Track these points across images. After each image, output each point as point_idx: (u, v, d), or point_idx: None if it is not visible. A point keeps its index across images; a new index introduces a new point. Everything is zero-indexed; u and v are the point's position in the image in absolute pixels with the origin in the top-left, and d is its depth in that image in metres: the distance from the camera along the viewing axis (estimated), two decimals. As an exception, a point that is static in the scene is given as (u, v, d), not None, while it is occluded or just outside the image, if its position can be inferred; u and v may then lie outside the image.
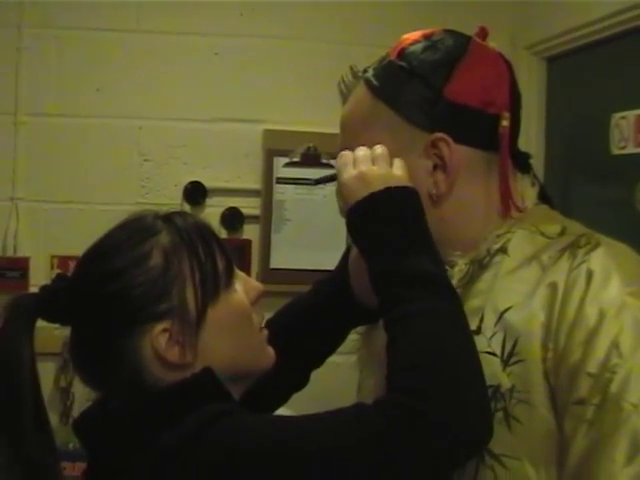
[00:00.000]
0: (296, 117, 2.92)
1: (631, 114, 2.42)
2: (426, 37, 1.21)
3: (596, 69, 2.71)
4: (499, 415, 1.07)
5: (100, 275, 1.10)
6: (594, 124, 2.63)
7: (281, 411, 1.33)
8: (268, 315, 1.31)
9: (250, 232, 2.94)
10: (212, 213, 2.87)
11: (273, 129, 2.92)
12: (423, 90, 1.17)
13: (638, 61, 2.45)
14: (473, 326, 1.10)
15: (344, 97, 1.14)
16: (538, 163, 2.79)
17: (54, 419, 2.56)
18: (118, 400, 1.10)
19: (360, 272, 1.22)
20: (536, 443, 1.06)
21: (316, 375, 1.41)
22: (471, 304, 1.14)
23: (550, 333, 1.07)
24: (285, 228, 2.93)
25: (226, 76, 2.92)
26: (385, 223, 1.10)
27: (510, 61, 1.24)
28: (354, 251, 1.28)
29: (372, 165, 1.14)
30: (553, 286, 1.09)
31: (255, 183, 2.94)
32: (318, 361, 1.39)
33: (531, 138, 2.84)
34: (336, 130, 1.26)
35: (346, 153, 1.17)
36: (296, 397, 1.40)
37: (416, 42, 1.21)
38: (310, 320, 1.35)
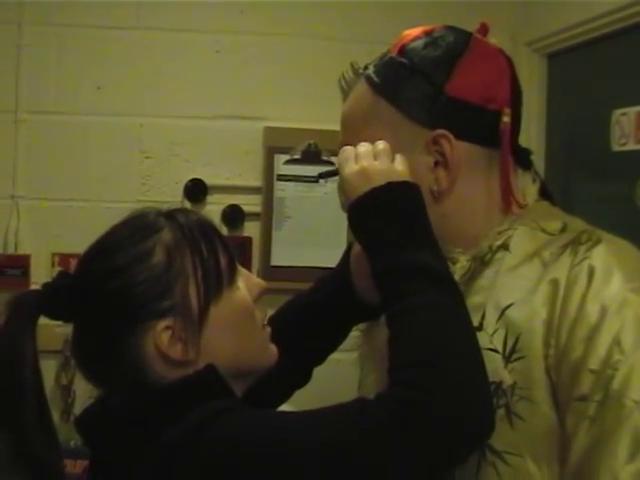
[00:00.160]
0: (297, 114, 2.92)
1: (632, 110, 2.42)
2: (427, 33, 1.21)
3: (597, 66, 2.70)
4: (501, 412, 1.07)
5: (102, 272, 1.10)
6: (595, 121, 2.63)
7: (283, 408, 1.33)
8: (269, 312, 1.31)
9: (251, 229, 2.94)
10: (213, 210, 2.86)
11: (274, 126, 2.92)
12: (424, 86, 1.17)
13: (639, 58, 2.45)
14: (475, 323, 1.10)
15: (345, 94, 1.14)
16: (539, 160, 2.78)
17: (55, 417, 2.55)
18: (120, 397, 1.10)
19: (361, 269, 1.23)
20: (538, 440, 1.06)
21: (318, 372, 1.41)
22: (473, 301, 1.14)
23: (552, 330, 1.07)
24: (286, 225, 2.93)
25: (226, 73, 2.92)
26: (386, 218, 1.10)
27: (511, 57, 1.24)
28: (355, 248, 1.28)
29: (374, 160, 1.14)
30: (555, 283, 1.09)
31: (256, 180, 2.94)
32: (320, 358, 1.39)
33: (531, 135, 2.84)
34: (337, 127, 1.26)
35: (348, 148, 1.17)
36: (298, 394, 1.40)
37: (417, 38, 1.21)
38: (311, 317, 1.35)
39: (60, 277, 1.16)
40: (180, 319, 1.08)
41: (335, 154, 1.20)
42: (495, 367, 1.08)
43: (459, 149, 1.16)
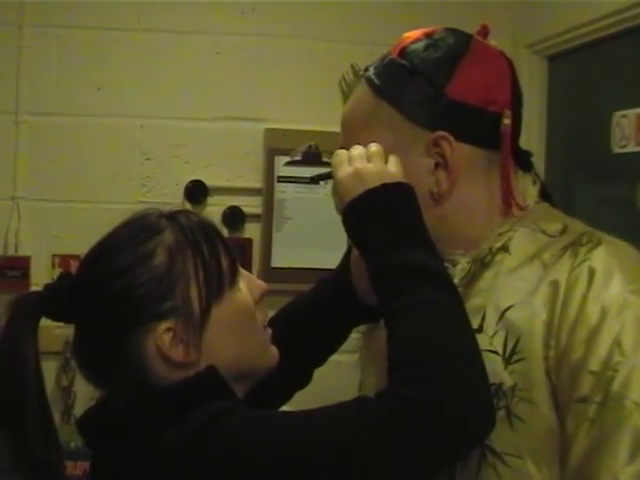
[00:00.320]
0: (297, 116, 2.92)
1: (632, 112, 2.42)
2: (427, 35, 1.21)
3: (597, 67, 2.71)
4: (501, 413, 1.07)
5: (104, 273, 1.10)
6: (595, 122, 2.63)
7: (284, 409, 1.33)
8: (270, 314, 1.31)
9: (251, 231, 2.94)
10: (213, 212, 2.86)
11: (274, 128, 2.92)
12: (425, 89, 1.17)
13: (639, 59, 2.45)
14: (475, 324, 1.11)
15: (345, 96, 1.15)
16: (539, 161, 2.79)
17: (55, 418, 2.56)
18: (122, 399, 1.10)
19: (362, 271, 1.22)
20: (538, 441, 1.06)
21: (318, 373, 1.41)
22: (473, 303, 1.14)
23: (552, 331, 1.07)
24: (286, 227, 2.93)
25: (227, 75, 2.92)
26: (381, 219, 1.10)
27: (511, 59, 1.24)
28: (356, 250, 1.28)
29: (367, 163, 1.14)
30: (555, 284, 1.09)
31: (256, 182, 2.94)
32: (320, 360, 1.39)
33: (532, 136, 2.84)
34: (337, 129, 1.26)
35: (341, 152, 1.18)
36: (298, 395, 1.40)
37: (417, 40, 1.21)
38: (312, 319, 1.36)
39: (61, 278, 1.17)
40: (181, 321, 1.08)
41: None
42: (495, 369, 1.08)
43: (459, 151, 1.16)
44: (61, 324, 1.15)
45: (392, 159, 1.15)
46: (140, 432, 1.06)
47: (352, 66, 2.82)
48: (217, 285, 1.11)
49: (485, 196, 1.20)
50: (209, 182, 2.90)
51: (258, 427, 1.03)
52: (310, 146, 2.87)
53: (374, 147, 1.16)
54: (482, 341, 1.08)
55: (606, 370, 1.03)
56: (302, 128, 2.89)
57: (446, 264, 1.16)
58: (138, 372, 1.09)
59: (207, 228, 1.15)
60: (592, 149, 2.71)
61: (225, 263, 1.13)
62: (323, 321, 1.35)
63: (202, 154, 2.91)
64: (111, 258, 1.11)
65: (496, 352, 1.10)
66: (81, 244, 1.19)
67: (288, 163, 2.90)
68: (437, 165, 1.17)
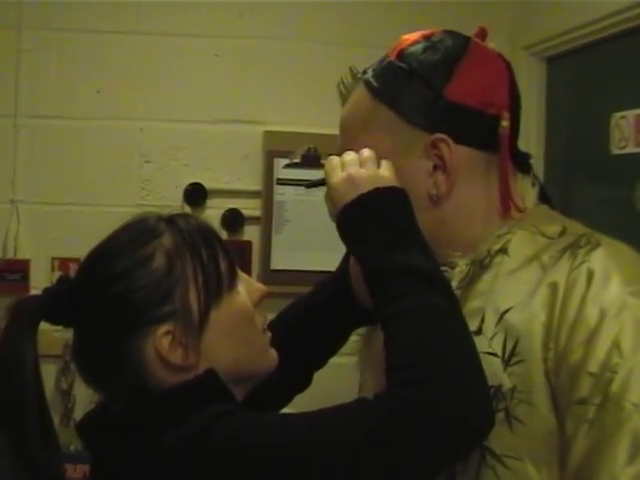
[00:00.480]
0: (296, 118, 2.93)
1: (631, 114, 2.42)
2: (425, 38, 1.21)
3: (596, 69, 2.71)
4: (500, 415, 1.07)
5: (103, 277, 1.10)
6: (594, 124, 2.63)
7: (283, 412, 1.33)
8: (269, 316, 1.31)
9: (251, 233, 2.95)
10: (212, 214, 2.87)
11: (273, 130, 2.92)
12: (423, 91, 1.17)
13: (638, 61, 2.45)
14: (474, 327, 1.11)
15: (343, 98, 1.14)
16: (538, 163, 2.79)
17: (55, 421, 2.56)
18: (121, 402, 1.10)
19: (360, 273, 1.23)
20: (537, 443, 1.06)
21: (318, 376, 1.41)
22: (472, 305, 1.14)
23: (551, 333, 1.07)
24: (286, 229, 2.93)
25: (226, 77, 2.93)
26: (375, 223, 1.11)
27: (509, 61, 1.24)
28: (353, 253, 1.28)
29: (360, 168, 1.14)
30: (554, 286, 1.09)
31: (255, 184, 2.94)
32: (320, 362, 1.39)
33: (531, 138, 2.85)
34: (336, 131, 1.27)
35: (334, 158, 1.18)
36: (298, 398, 1.40)
37: (415, 43, 1.21)
38: (311, 321, 1.36)
39: (61, 282, 1.17)
40: (180, 324, 1.09)
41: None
42: (494, 371, 1.08)
43: (458, 153, 1.16)
44: (60, 327, 1.15)
45: (384, 163, 1.16)
46: (139, 435, 1.06)
47: (350, 69, 2.81)
48: (216, 288, 1.11)
49: (484, 198, 1.20)
50: (208, 185, 2.90)
51: (258, 430, 1.03)
52: (309, 148, 2.87)
53: (366, 152, 1.16)
54: (481, 343, 1.08)
55: (605, 372, 1.03)
56: (301, 130, 2.89)
57: (444, 267, 1.16)
58: (137, 375, 1.09)
59: (206, 231, 1.15)
60: (591, 150, 2.71)
61: (224, 266, 1.13)
62: (322, 323, 1.35)
63: (201, 157, 2.92)
64: (110, 262, 1.11)
65: (495, 354, 1.10)
66: (80, 247, 1.19)
67: (287, 165, 2.90)
68: (435, 167, 1.17)
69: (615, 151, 2.49)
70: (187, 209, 2.85)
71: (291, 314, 1.39)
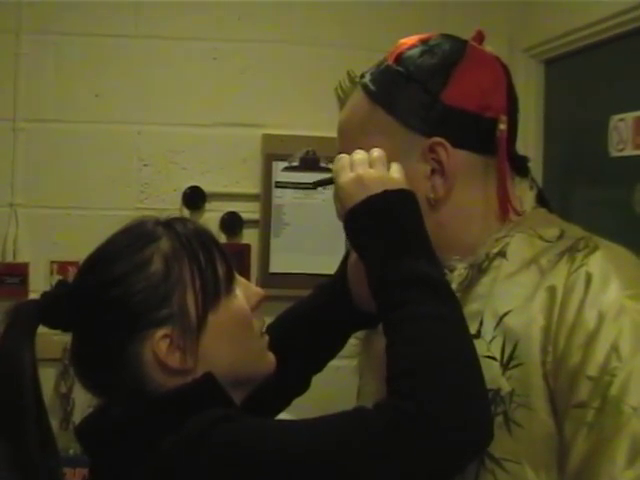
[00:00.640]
0: (295, 121, 2.92)
1: (629, 116, 2.42)
2: (423, 42, 1.21)
3: (594, 71, 2.71)
4: (499, 419, 1.07)
5: (101, 281, 1.10)
6: (592, 126, 2.63)
7: (282, 416, 1.33)
8: (268, 320, 1.31)
9: (249, 237, 2.94)
10: (211, 218, 2.87)
11: (272, 133, 2.92)
12: (420, 95, 1.17)
13: (636, 63, 2.46)
14: (473, 330, 1.10)
15: (341, 102, 1.14)
16: (537, 166, 2.79)
17: (54, 425, 2.55)
18: (119, 406, 1.10)
19: (359, 277, 1.23)
20: (536, 447, 1.06)
21: (316, 379, 1.41)
22: (470, 308, 1.14)
23: (549, 336, 1.07)
24: (284, 232, 2.93)
25: (225, 81, 2.93)
26: (383, 226, 1.10)
27: (507, 64, 1.25)
28: (353, 256, 1.28)
29: (369, 168, 1.14)
30: (552, 290, 1.09)
31: (254, 187, 2.94)
32: (318, 366, 1.39)
33: (529, 141, 2.85)
34: (335, 134, 1.26)
35: (343, 156, 1.18)
36: (297, 402, 1.40)
37: (413, 47, 1.21)
38: (310, 325, 1.36)
39: (59, 286, 1.17)
40: (178, 328, 1.09)
41: (333, 161, 1.20)
42: (493, 374, 1.08)
43: (456, 157, 1.16)
44: (59, 331, 1.15)
45: (394, 165, 1.15)
46: (138, 439, 1.06)
47: (348, 73, 2.82)
48: (213, 292, 1.11)
49: (482, 202, 1.20)
50: (207, 188, 2.90)
51: (257, 434, 1.02)
52: (308, 151, 2.87)
53: (376, 152, 1.15)
54: (480, 347, 1.08)
55: (604, 375, 1.03)
56: (300, 134, 2.90)
57: (444, 270, 1.16)
58: (135, 379, 1.09)
59: (203, 235, 1.15)
60: (589, 153, 2.71)
61: (221, 270, 1.13)
62: (321, 327, 1.35)
63: (200, 160, 2.91)
64: (108, 266, 1.11)
65: (494, 358, 1.10)
66: (79, 250, 1.19)
67: (286, 168, 2.91)
68: (433, 171, 1.17)
69: (613, 153, 2.49)
70: (186, 212, 2.86)
71: (289, 317, 1.39)
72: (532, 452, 1.06)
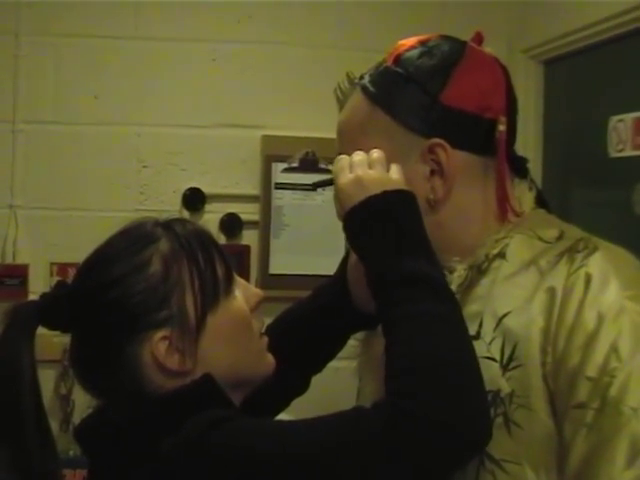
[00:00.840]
0: (294, 122, 2.93)
1: (628, 117, 2.42)
2: (422, 43, 1.21)
3: (593, 72, 2.71)
4: (499, 420, 1.07)
5: (100, 282, 1.10)
6: (592, 127, 2.63)
7: (281, 417, 1.33)
8: (268, 320, 1.31)
9: (249, 238, 2.95)
10: (211, 219, 2.87)
11: (271, 135, 2.92)
12: (420, 96, 1.17)
13: (635, 64, 2.46)
14: (472, 331, 1.10)
15: (340, 104, 1.14)
16: (536, 166, 2.79)
17: (54, 426, 2.55)
18: (119, 407, 1.10)
19: (358, 278, 1.23)
20: (536, 447, 1.06)
21: (316, 380, 1.41)
22: (470, 309, 1.14)
23: (549, 337, 1.07)
24: (284, 233, 2.93)
25: (224, 82, 2.93)
26: (382, 226, 1.10)
27: (507, 65, 1.25)
28: (352, 257, 1.28)
29: (369, 169, 1.14)
30: (551, 291, 1.09)
31: (254, 189, 2.94)
32: (318, 367, 1.39)
33: (529, 141, 2.85)
34: (334, 135, 1.26)
35: (343, 157, 1.18)
36: (296, 402, 1.40)
37: (412, 48, 1.21)
38: (309, 326, 1.36)
39: (58, 287, 1.17)
40: (177, 329, 1.09)
41: (333, 162, 1.20)
42: (493, 375, 1.08)
43: (455, 158, 1.16)
44: (59, 332, 1.15)
45: (394, 166, 1.15)
46: (137, 441, 1.06)
47: (347, 74, 2.81)
48: (212, 293, 1.11)
49: (481, 203, 1.20)
50: (206, 189, 2.90)
51: (256, 435, 1.02)
52: (307, 152, 2.88)
53: (376, 153, 1.16)
54: (479, 348, 1.08)
55: (603, 376, 1.02)
56: (299, 135, 2.90)
57: (443, 270, 1.16)
58: (134, 380, 1.09)
59: (203, 236, 1.15)
60: (589, 154, 2.71)
61: (221, 271, 1.13)
62: (320, 328, 1.35)
63: (199, 161, 2.92)
64: (107, 267, 1.11)
65: (493, 359, 1.10)
66: (79, 252, 1.19)
67: (285, 170, 2.91)
68: (433, 172, 1.17)
69: (613, 154, 2.49)
70: (185, 214, 2.86)
71: (289, 318, 1.39)
72: (532, 453, 1.06)
